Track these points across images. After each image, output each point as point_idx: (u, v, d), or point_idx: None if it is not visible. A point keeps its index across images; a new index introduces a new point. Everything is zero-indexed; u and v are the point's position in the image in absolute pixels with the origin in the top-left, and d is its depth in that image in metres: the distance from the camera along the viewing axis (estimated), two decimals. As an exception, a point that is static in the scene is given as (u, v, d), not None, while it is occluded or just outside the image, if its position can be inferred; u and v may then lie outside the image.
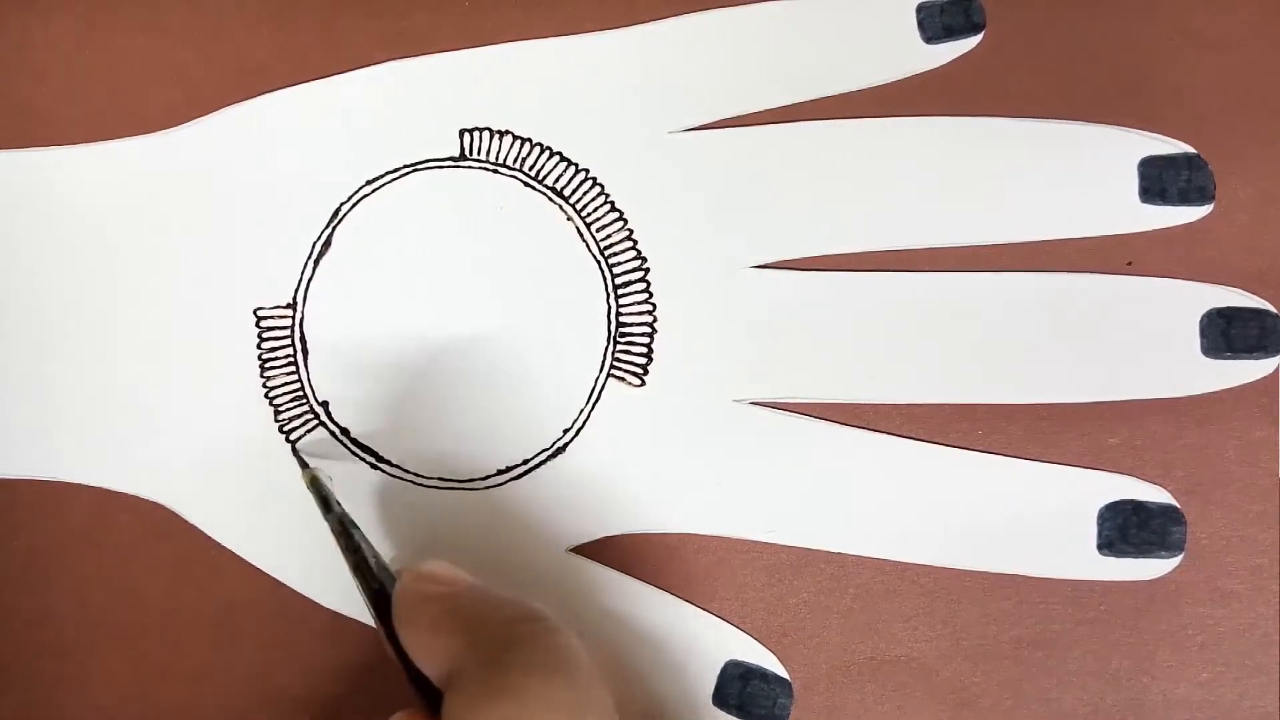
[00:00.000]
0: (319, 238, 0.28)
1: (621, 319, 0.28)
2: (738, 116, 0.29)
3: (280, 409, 0.28)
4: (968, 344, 0.27)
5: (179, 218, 0.29)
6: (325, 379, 0.28)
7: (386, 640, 0.22)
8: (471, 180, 0.29)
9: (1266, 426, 0.27)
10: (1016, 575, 0.27)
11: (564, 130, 0.29)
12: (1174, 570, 0.26)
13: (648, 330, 0.28)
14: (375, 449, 0.28)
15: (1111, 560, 0.26)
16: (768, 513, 0.27)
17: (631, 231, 0.28)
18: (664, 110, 0.29)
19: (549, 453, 0.27)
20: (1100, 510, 0.27)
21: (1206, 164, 0.28)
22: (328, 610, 0.27)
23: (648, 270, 0.28)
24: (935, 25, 0.29)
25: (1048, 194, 0.28)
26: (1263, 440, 0.27)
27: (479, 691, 0.20)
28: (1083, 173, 0.28)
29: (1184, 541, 0.26)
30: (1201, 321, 0.27)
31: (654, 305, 0.28)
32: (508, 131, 0.29)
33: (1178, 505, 0.26)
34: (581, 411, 0.27)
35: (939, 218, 0.28)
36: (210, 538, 0.27)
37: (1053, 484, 0.27)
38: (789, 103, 0.29)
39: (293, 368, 0.28)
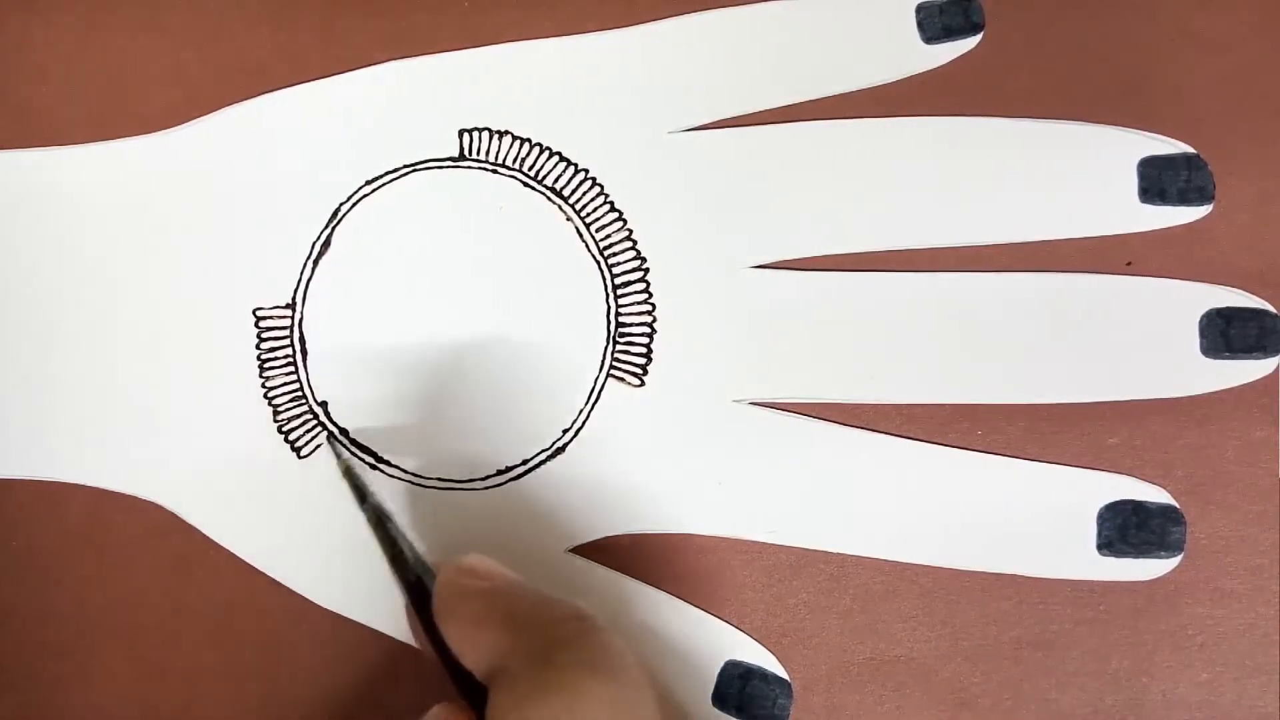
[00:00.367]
0: (318, 238, 0.28)
1: (621, 319, 0.28)
2: (737, 116, 0.29)
3: (279, 409, 0.28)
4: (968, 344, 0.27)
5: (179, 218, 0.29)
6: (324, 379, 0.28)
7: (424, 633, 0.22)
8: (471, 180, 0.29)
9: (1266, 427, 0.27)
10: (1016, 575, 0.27)
11: (563, 130, 0.29)
12: (1173, 570, 0.26)
13: (647, 330, 0.28)
14: (374, 449, 0.28)
15: (1111, 560, 0.26)
16: (767, 513, 0.27)
17: (631, 232, 0.28)
18: (663, 110, 0.29)
19: (548, 453, 0.27)
20: (1100, 510, 0.27)
21: (1206, 164, 0.28)
22: (326, 610, 0.27)
23: (647, 270, 0.28)
24: (935, 25, 0.29)
25: (1048, 194, 0.28)
26: (1262, 440, 0.27)
27: (528, 688, 0.19)
28: (1082, 173, 0.28)
29: (1183, 542, 0.26)
30: (1201, 321, 0.27)
31: (654, 305, 0.28)
32: (507, 132, 0.29)
33: (1177, 505, 0.26)
34: (581, 412, 0.27)
35: (939, 218, 0.28)
36: (209, 538, 0.27)
37: (1052, 484, 0.27)
38: (789, 103, 0.29)
39: (292, 368, 0.28)
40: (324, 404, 0.28)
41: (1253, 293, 0.27)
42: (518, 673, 0.20)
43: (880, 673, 0.27)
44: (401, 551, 0.23)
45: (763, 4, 0.29)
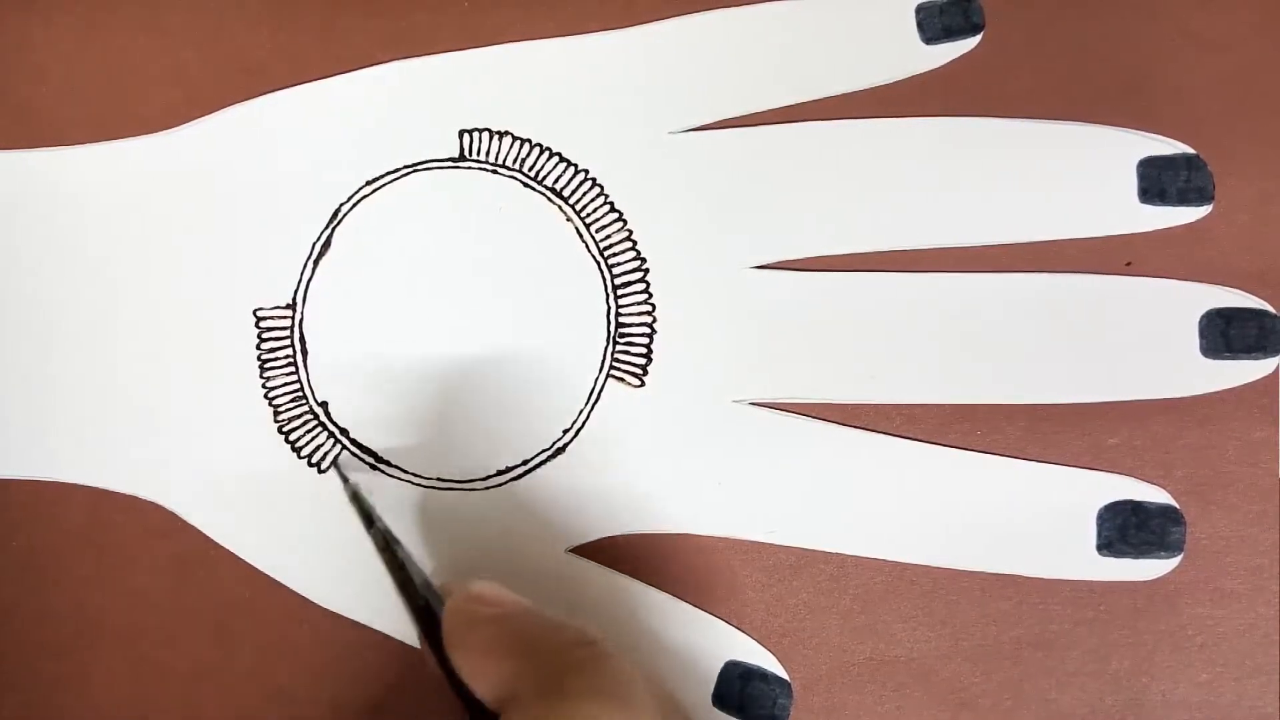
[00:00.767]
0: (319, 238, 0.28)
1: (621, 319, 0.28)
2: (738, 117, 0.29)
3: (279, 409, 0.28)
4: (968, 344, 0.27)
5: (179, 218, 0.29)
6: (324, 379, 0.28)
7: (433, 658, 0.22)
8: (471, 181, 0.29)
9: (1266, 427, 0.27)
10: (1016, 575, 0.27)
11: (564, 131, 0.29)
12: (1173, 571, 0.26)
13: (647, 331, 0.28)
14: (375, 449, 0.28)
15: (1111, 560, 0.26)
16: (767, 513, 0.27)
17: (631, 232, 0.28)
18: (664, 110, 0.29)
19: (549, 453, 0.27)
20: (1100, 511, 0.27)
21: (1205, 164, 0.28)
22: (326, 610, 0.27)
23: (647, 271, 0.28)
24: (935, 26, 0.29)
25: (1048, 194, 0.28)
26: (1262, 440, 0.27)
27: (539, 715, 0.19)
28: (1082, 173, 0.28)
29: (1183, 542, 0.26)
30: (1201, 322, 0.27)
31: (654, 306, 0.28)
32: (507, 132, 0.29)
33: (1177, 506, 0.27)
34: (581, 412, 0.27)
35: (939, 218, 0.28)
36: (209, 538, 0.27)
37: (1052, 484, 0.27)
38: (789, 103, 0.29)
39: (292, 368, 0.28)
40: (324, 404, 0.28)
41: (1253, 293, 0.27)
42: (529, 701, 0.20)
43: (880, 673, 0.27)
44: (409, 577, 0.23)
45: (764, 4, 0.29)
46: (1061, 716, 0.26)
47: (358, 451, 0.27)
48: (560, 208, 0.28)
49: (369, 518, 0.25)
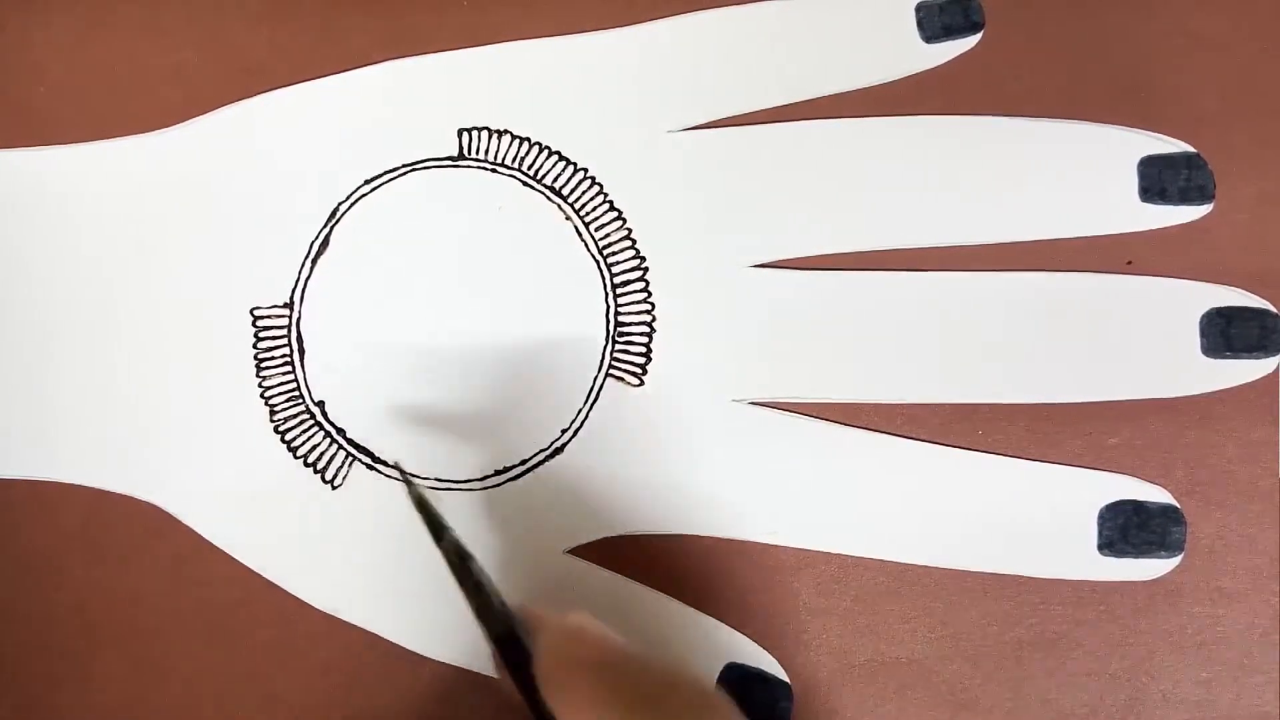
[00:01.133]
0: (317, 237, 0.28)
1: (620, 318, 0.28)
2: (737, 116, 0.29)
3: (276, 409, 0.28)
4: (968, 344, 0.27)
5: (177, 217, 0.29)
6: (321, 379, 0.28)
7: (522, 694, 0.20)
8: (470, 180, 0.29)
9: (1266, 426, 0.27)
10: (1016, 576, 0.27)
11: (562, 130, 0.29)
12: (1174, 570, 0.26)
13: (646, 330, 0.28)
14: (371, 449, 0.28)
15: (1111, 560, 0.26)
16: (768, 513, 0.27)
17: (630, 231, 0.28)
18: (663, 109, 0.29)
19: (547, 453, 0.27)
20: (1100, 510, 0.26)
21: (1206, 164, 0.28)
22: (324, 612, 0.27)
23: (646, 270, 0.28)
24: (934, 25, 0.29)
25: (1048, 194, 0.28)
26: (1263, 440, 0.27)
27: None
28: (1083, 172, 0.28)
29: (1184, 541, 0.26)
30: (1201, 321, 0.27)
31: (653, 305, 0.28)
32: (506, 131, 0.29)
33: (1178, 505, 0.26)
34: (580, 412, 0.27)
35: (939, 218, 0.28)
36: (205, 539, 0.27)
37: (1053, 484, 0.27)
38: (788, 102, 0.29)
39: (289, 368, 0.28)
40: (321, 404, 0.28)
41: (1253, 292, 0.27)
42: None
43: (881, 674, 0.26)
44: (489, 600, 0.21)
45: (762, 4, 0.29)
46: (1062, 716, 0.26)
47: (355, 451, 0.27)
48: (559, 206, 0.28)
49: (439, 528, 0.22)
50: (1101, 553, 0.26)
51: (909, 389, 0.27)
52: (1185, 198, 0.28)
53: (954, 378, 0.27)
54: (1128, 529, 0.26)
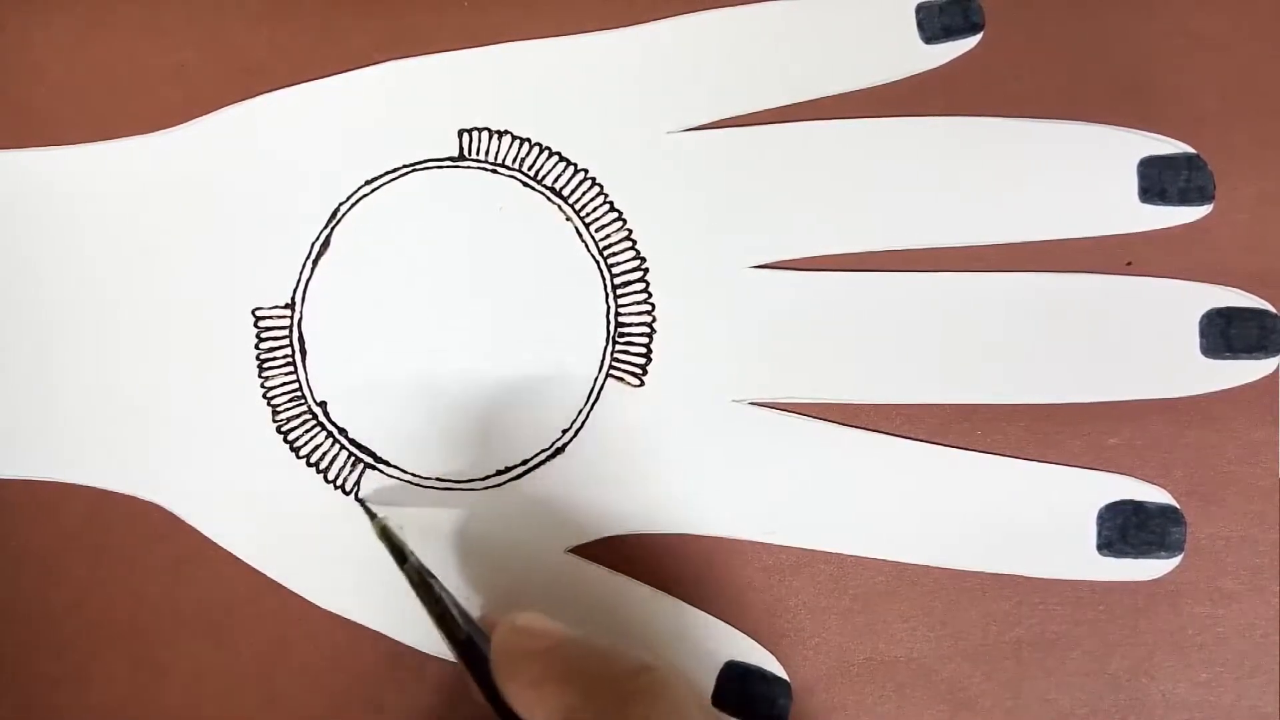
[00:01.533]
0: (318, 238, 0.28)
1: (620, 319, 0.28)
2: (737, 116, 0.29)
3: (278, 409, 0.28)
4: (968, 344, 0.27)
5: (178, 218, 0.29)
6: (323, 379, 0.28)
7: (480, 692, 0.22)
8: (470, 180, 0.29)
9: (1266, 427, 0.27)
10: (1016, 575, 0.27)
11: (563, 130, 0.29)
12: (1173, 571, 0.26)
13: (647, 330, 0.28)
14: (373, 449, 0.28)
15: (1111, 560, 0.26)
16: (767, 513, 0.27)
17: (630, 231, 0.28)
18: (663, 110, 0.29)
19: (548, 453, 0.27)
20: (1100, 511, 0.26)
21: (1206, 164, 0.28)
22: (326, 611, 0.27)
23: (647, 270, 0.28)
24: (934, 25, 0.29)
25: (1048, 194, 0.28)
26: (1263, 440, 0.27)
27: None
28: (1083, 173, 0.28)
29: (1183, 542, 0.26)
30: (1201, 322, 0.27)
31: (653, 305, 0.28)
32: (507, 131, 0.29)
33: (1177, 505, 0.26)
34: (580, 412, 0.27)
35: (939, 218, 0.28)
36: (207, 538, 0.27)
37: (1052, 484, 0.27)
38: (788, 103, 0.29)
39: (291, 368, 0.28)
40: (323, 404, 0.28)
41: (1253, 293, 0.27)
42: None
43: (880, 673, 0.27)
44: (448, 611, 0.23)
45: (762, 4, 0.29)
46: (1061, 716, 0.26)
47: (356, 451, 0.27)
48: (560, 207, 0.28)
49: (400, 554, 0.25)
50: (1101, 553, 0.26)
51: (909, 389, 0.27)
52: (1185, 198, 0.28)
53: (954, 378, 0.27)
54: (1127, 529, 0.26)
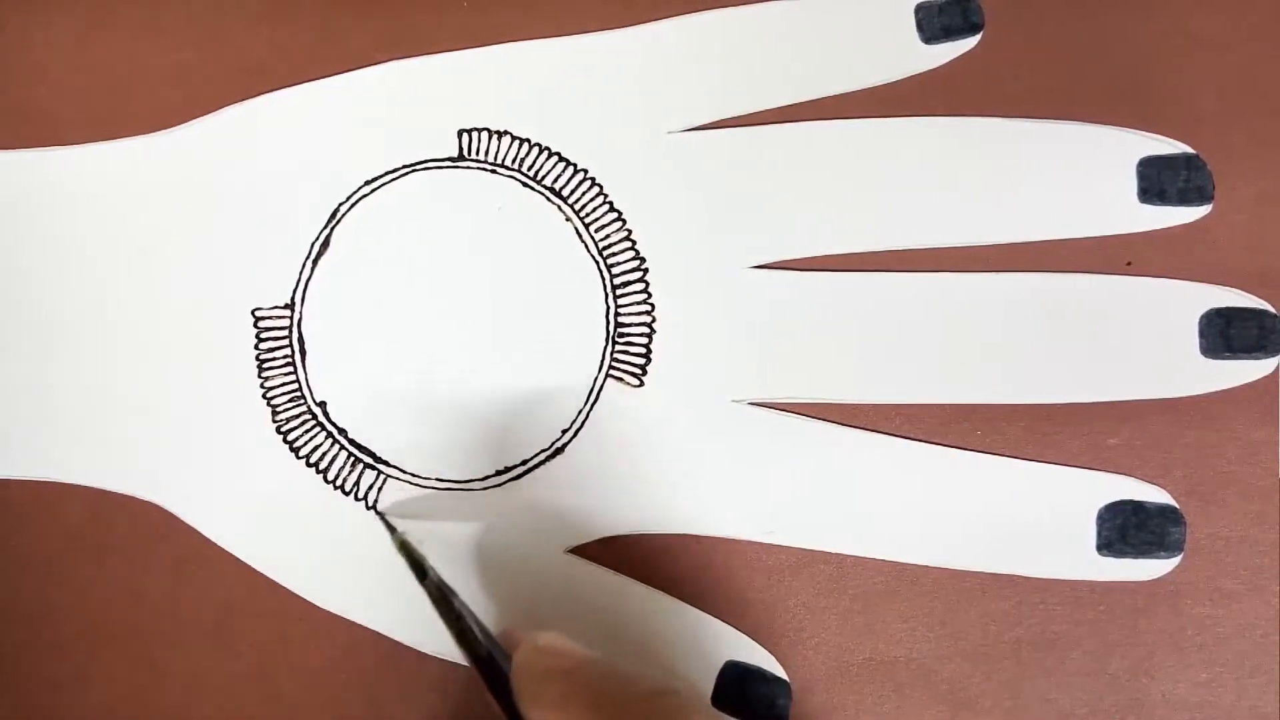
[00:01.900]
0: (317, 238, 0.28)
1: (620, 319, 0.28)
2: (737, 116, 0.29)
3: (278, 409, 0.28)
4: (968, 344, 0.27)
5: (178, 218, 0.29)
6: (323, 379, 0.28)
7: (500, 709, 0.22)
8: (470, 180, 0.29)
9: (1266, 427, 0.27)
10: (1016, 576, 0.27)
11: (563, 130, 0.29)
12: (1173, 571, 0.26)
13: (646, 330, 0.28)
14: (373, 449, 0.28)
15: (1110, 561, 0.26)
16: (767, 513, 0.27)
17: (630, 232, 0.28)
18: (663, 110, 0.29)
19: (547, 453, 0.27)
20: (1099, 511, 0.26)
21: (1205, 164, 0.28)
22: (326, 611, 0.27)
23: (646, 270, 0.28)
24: (934, 26, 0.29)
25: (1048, 194, 0.28)
26: (1262, 440, 0.27)
27: None
28: (1082, 173, 0.28)
29: (1183, 542, 0.26)
30: (1201, 322, 0.27)
31: (653, 305, 0.28)
32: (506, 132, 0.29)
33: (1177, 506, 0.26)
34: (580, 412, 0.27)
35: (939, 218, 0.28)
36: (207, 538, 0.27)
37: (1052, 484, 0.27)
38: (788, 103, 0.29)
39: (290, 368, 0.28)
40: (323, 404, 0.28)
41: (1253, 292, 0.27)
42: None
43: (880, 673, 0.27)
44: (468, 628, 0.23)
45: (762, 4, 0.29)
46: (1061, 716, 0.26)
47: (356, 452, 0.28)
48: (559, 207, 0.28)
49: (421, 569, 0.24)
50: (1100, 553, 0.26)
51: (908, 389, 0.27)
52: (1184, 199, 0.28)
53: (953, 378, 0.27)
54: (1127, 529, 0.26)
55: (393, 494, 0.27)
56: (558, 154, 0.29)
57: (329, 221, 0.29)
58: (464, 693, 0.27)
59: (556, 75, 0.29)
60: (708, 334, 0.28)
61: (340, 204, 0.29)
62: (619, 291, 0.28)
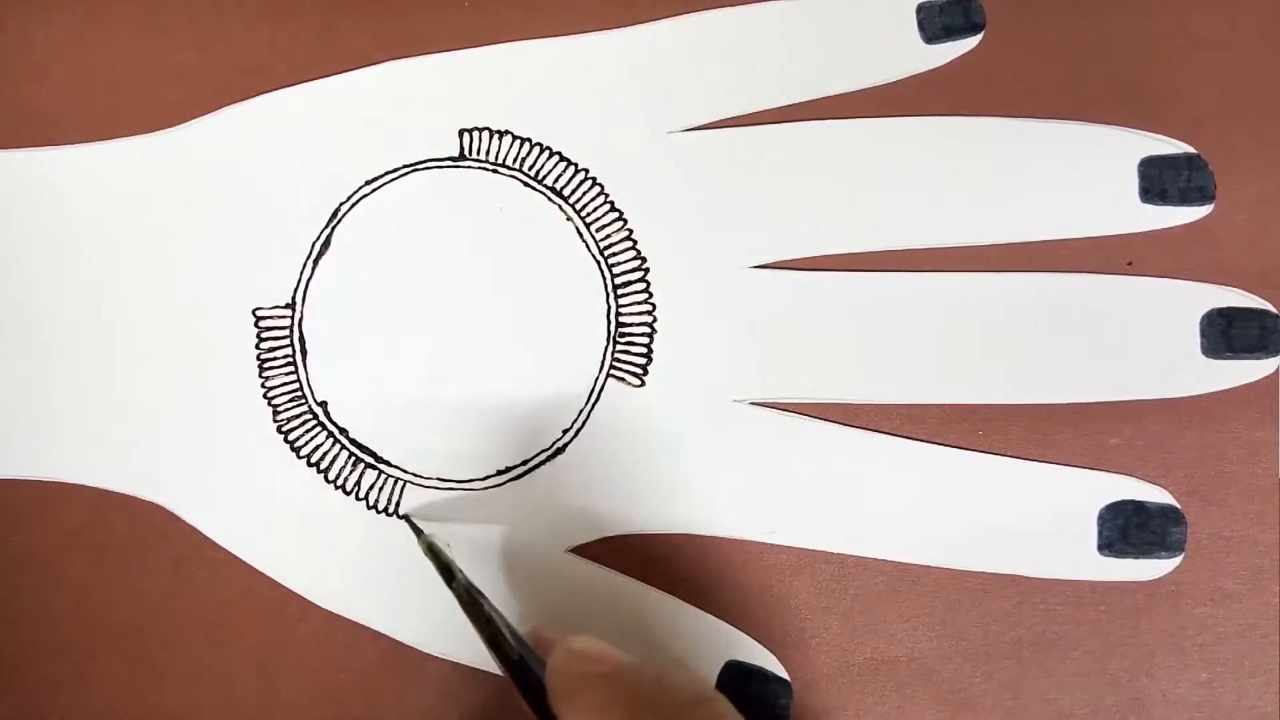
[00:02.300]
0: (318, 238, 0.28)
1: (621, 319, 0.28)
2: (737, 116, 0.29)
3: (279, 409, 0.28)
4: (968, 344, 0.27)
5: (178, 218, 0.29)
6: (324, 379, 0.28)
7: (533, 713, 0.22)
8: (471, 180, 0.29)
9: (1267, 427, 0.27)
10: (1016, 576, 0.27)
11: (563, 130, 0.29)
12: (1174, 571, 0.26)
13: (647, 330, 0.28)
14: (374, 449, 0.28)
15: (1111, 560, 0.26)
16: (768, 513, 0.27)
17: (631, 232, 0.28)
18: (664, 110, 0.29)
19: (548, 453, 0.27)
20: (1100, 511, 0.26)
21: (1206, 164, 0.28)
22: (326, 610, 0.27)
23: (647, 270, 0.28)
24: (935, 25, 0.29)
25: (1048, 194, 0.28)
26: (1263, 440, 0.27)
27: None
28: (1083, 173, 0.28)
29: (1184, 542, 0.26)
30: (1202, 322, 0.27)
31: (654, 305, 0.28)
32: (507, 131, 0.29)
33: (1178, 505, 0.26)
34: (581, 412, 0.27)
35: (939, 218, 0.28)
36: (208, 538, 0.27)
37: (1053, 484, 0.27)
38: (789, 103, 0.29)
39: (291, 368, 0.28)
40: (323, 404, 0.28)
41: (1253, 293, 0.27)
42: None
43: (881, 673, 0.27)
44: (499, 631, 0.23)
45: (762, 4, 0.29)
46: (1062, 716, 0.26)
47: (357, 452, 0.27)
48: (560, 207, 0.28)
49: (449, 572, 0.24)
50: (1101, 553, 0.26)
51: (909, 389, 0.27)
52: (1185, 198, 0.28)
53: (954, 378, 0.27)
54: (1128, 529, 0.26)
55: (391, 493, 0.27)
56: (558, 154, 0.29)
57: (329, 221, 0.29)
58: (466, 692, 0.27)
59: (556, 75, 0.29)
60: (709, 334, 0.28)
61: (341, 204, 0.29)
62: (620, 291, 0.28)
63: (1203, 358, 0.27)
